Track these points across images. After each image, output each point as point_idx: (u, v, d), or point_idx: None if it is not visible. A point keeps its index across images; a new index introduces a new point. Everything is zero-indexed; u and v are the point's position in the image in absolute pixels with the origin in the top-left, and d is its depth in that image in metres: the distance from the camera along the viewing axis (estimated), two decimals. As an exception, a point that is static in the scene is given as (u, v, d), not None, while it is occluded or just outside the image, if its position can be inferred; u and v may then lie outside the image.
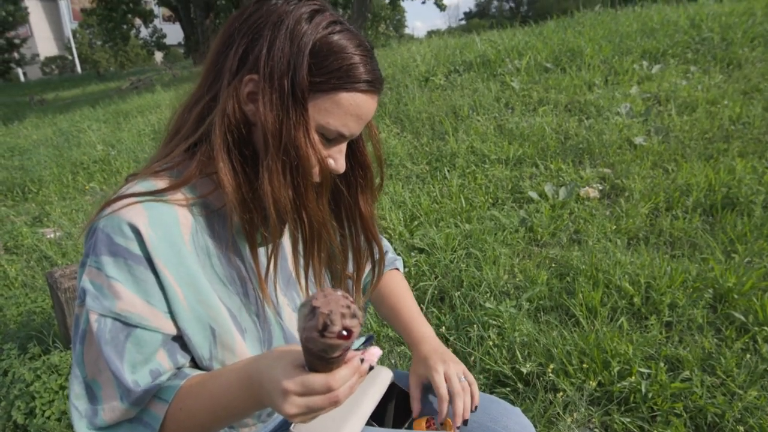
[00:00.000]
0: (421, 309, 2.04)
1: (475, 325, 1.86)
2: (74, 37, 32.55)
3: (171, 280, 0.65)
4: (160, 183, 0.69)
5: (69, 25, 33.42)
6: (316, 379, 0.52)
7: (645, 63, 4.61)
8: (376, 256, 0.87)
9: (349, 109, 0.67)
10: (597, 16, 6.64)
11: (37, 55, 33.26)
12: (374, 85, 0.69)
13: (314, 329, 0.46)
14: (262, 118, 0.64)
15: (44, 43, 35.84)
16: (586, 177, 2.95)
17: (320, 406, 0.54)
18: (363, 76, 0.67)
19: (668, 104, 3.75)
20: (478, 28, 9.58)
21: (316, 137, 0.68)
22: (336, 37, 0.65)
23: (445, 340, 1.88)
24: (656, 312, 1.85)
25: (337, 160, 0.71)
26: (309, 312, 0.47)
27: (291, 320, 0.80)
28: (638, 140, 3.26)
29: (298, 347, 0.54)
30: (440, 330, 1.90)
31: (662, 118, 3.55)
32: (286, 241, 0.81)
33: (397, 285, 1.00)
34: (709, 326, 1.77)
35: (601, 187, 2.87)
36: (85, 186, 4.56)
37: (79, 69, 31.30)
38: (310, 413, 0.54)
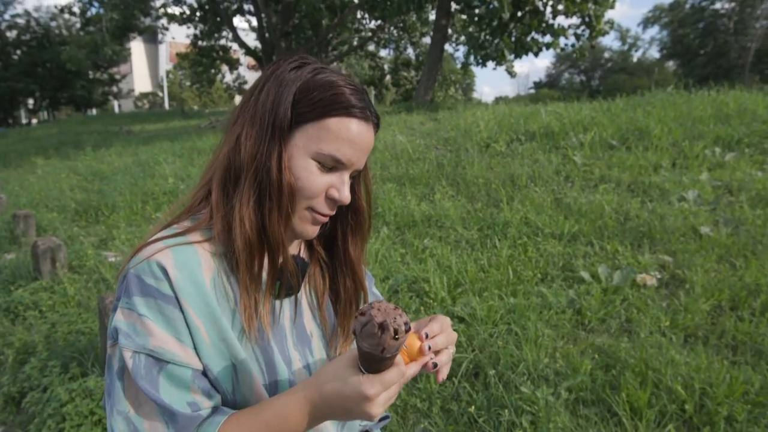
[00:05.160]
0: (453, 383, 1.98)
1: (507, 409, 1.77)
2: (167, 76, 35.62)
3: (194, 318, 0.68)
4: (183, 226, 0.74)
5: (164, 65, 36.67)
6: (391, 374, 0.61)
7: (717, 150, 4.44)
8: (362, 303, 0.87)
9: (340, 134, 0.70)
10: (669, 97, 6.53)
11: (133, 90, 36.58)
12: (364, 112, 0.71)
13: (389, 338, 0.57)
14: (241, 151, 0.70)
15: (141, 80, 39.46)
16: (643, 263, 2.81)
17: (396, 393, 0.64)
18: (351, 101, 0.70)
19: (740, 195, 3.56)
20: (546, 98, 9.64)
21: (302, 164, 0.70)
22: (321, 76, 0.71)
23: (474, 421, 1.79)
24: (710, 423, 1.68)
25: (340, 189, 0.72)
26: (378, 328, 0.57)
27: (300, 375, 0.80)
28: (704, 230, 3.09)
29: (339, 362, 0.64)
30: (469, 409, 1.81)
31: (733, 210, 3.36)
32: (303, 297, 0.83)
33: None
34: (773, 449, 1.59)
35: (659, 276, 2.72)
36: (152, 215, 4.83)
37: (167, 105, 34.02)
38: (388, 404, 0.63)
